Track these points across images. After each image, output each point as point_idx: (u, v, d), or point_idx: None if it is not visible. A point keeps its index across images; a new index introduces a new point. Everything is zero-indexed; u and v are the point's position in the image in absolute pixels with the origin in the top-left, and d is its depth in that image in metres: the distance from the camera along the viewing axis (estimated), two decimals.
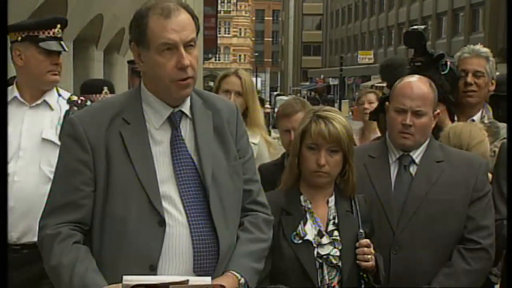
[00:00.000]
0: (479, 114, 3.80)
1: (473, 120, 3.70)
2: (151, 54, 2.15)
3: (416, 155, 2.89)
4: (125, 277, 2.03)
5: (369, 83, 45.77)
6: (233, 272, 2.17)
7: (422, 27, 3.97)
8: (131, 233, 2.12)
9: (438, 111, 2.94)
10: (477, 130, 3.24)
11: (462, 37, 39.44)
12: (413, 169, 2.88)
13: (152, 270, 2.10)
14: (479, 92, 3.75)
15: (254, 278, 2.24)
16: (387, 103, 2.99)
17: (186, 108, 2.27)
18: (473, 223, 2.79)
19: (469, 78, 3.73)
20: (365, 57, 53.67)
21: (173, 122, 2.24)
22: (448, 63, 3.76)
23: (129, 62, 5.64)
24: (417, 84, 2.88)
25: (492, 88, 3.81)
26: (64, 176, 2.19)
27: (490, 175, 3.00)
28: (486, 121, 3.75)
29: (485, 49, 3.81)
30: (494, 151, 3.24)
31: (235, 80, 3.74)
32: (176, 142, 2.23)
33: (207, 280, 2.05)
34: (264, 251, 2.33)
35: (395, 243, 2.78)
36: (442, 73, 3.75)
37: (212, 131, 2.28)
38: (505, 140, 3.08)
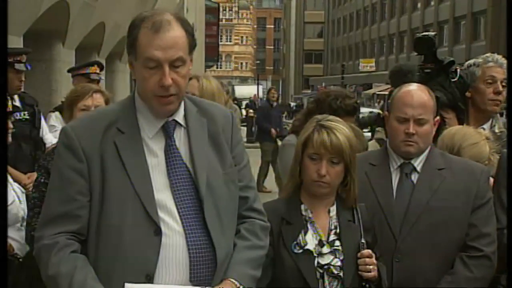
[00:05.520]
0: (489, 123, 3.79)
1: (483, 129, 3.66)
2: (138, 66, 2.16)
3: (418, 162, 2.88)
4: (127, 285, 2.03)
5: (370, 91, 45.84)
6: (232, 280, 2.16)
7: (433, 33, 3.94)
8: (127, 243, 2.11)
9: (438, 118, 2.94)
10: (472, 133, 3.21)
11: (464, 46, 39.52)
12: (414, 177, 2.87)
13: (149, 279, 2.09)
14: (502, 102, 3.76)
15: (252, 285, 2.23)
16: (386, 112, 2.99)
17: (179, 117, 2.26)
18: (475, 230, 2.78)
19: (500, 87, 3.72)
20: (367, 65, 53.72)
21: (167, 131, 2.23)
22: (458, 70, 3.75)
23: None
24: (417, 93, 2.87)
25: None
26: (59, 186, 2.18)
27: (491, 180, 3.00)
28: (496, 131, 3.73)
29: (505, 61, 3.79)
30: None
31: (194, 83, 3.75)
32: (170, 151, 2.22)
33: None
34: (261, 258, 2.32)
35: (398, 251, 2.77)
36: (452, 80, 3.74)
37: (207, 139, 2.28)
38: (505, 150, 3.07)
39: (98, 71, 5.71)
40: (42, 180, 3.18)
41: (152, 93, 2.15)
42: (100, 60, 11.42)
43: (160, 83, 2.12)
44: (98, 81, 5.60)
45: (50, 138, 5.23)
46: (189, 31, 2.19)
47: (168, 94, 2.15)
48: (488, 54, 3.91)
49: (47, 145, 5.19)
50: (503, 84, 3.74)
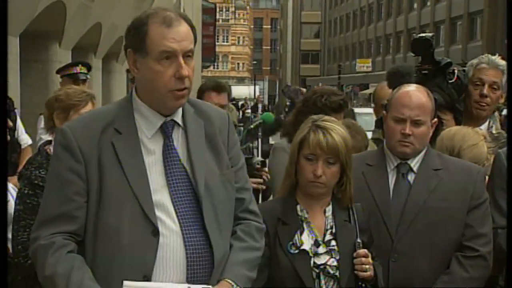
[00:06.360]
0: (486, 124, 3.77)
1: (481, 129, 3.65)
2: (148, 62, 2.15)
3: (414, 163, 2.89)
4: (125, 282, 2.04)
5: (367, 91, 45.87)
6: (228, 280, 2.16)
7: (430, 34, 3.93)
8: (125, 243, 2.11)
9: (435, 120, 2.95)
10: (472, 133, 3.22)
11: (460, 46, 39.58)
12: (411, 177, 2.88)
13: (146, 280, 2.10)
14: (491, 105, 3.73)
15: (249, 286, 2.23)
16: (384, 112, 3.00)
17: (178, 117, 2.26)
18: (471, 230, 2.79)
19: (486, 90, 3.69)
20: (363, 65, 53.73)
21: (165, 131, 2.23)
22: (456, 71, 3.74)
23: (129, 70, 5.68)
24: (415, 94, 2.88)
25: (502, 101, 3.77)
26: (56, 187, 2.18)
27: (486, 178, 3.00)
28: (494, 132, 3.72)
29: (503, 62, 3.74)
30: None
31: None
32: (168, 151, 2.22)
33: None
34: (257, 260, 2.32)
35: (394, 251, 2.78)
36: (450, 81, 3.74)
37: (204, 139, 2.28)
38: (500, 150, 3.08)
39: (85, 70, 5.69)
40: (26, 192, 3.01)
41: (166, 88, 2.15)
42: (96, 60, 11.44)
43: (177, 74, 2.13)
44: (84, 81, 5.58)
45: (26, 139, 5.21)
46: (192, 26, 2.22)
47: (183, 86, 2.15)
48: (485, 55, 3.88)
49: (22, 146, 5.16)
50: (494, 86, 3.71)
